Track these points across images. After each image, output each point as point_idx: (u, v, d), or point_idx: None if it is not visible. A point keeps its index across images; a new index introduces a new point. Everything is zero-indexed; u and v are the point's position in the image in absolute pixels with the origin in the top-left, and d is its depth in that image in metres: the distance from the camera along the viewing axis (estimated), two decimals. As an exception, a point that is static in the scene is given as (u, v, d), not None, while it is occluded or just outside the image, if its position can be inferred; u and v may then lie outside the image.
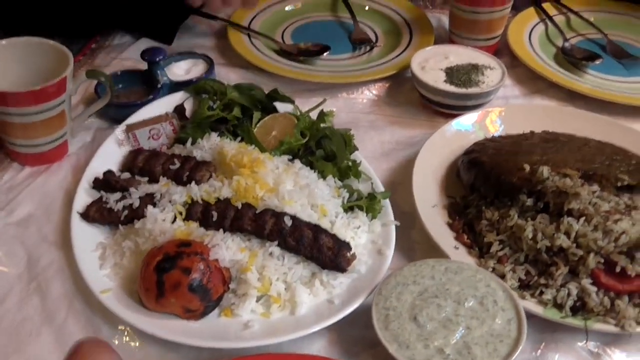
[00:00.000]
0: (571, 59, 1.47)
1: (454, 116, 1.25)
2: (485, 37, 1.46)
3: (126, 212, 1.04)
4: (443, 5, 1.63)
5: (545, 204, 1.01)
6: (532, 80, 1.44)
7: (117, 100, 1.25)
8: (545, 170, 1.01)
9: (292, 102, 1.23)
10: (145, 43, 1.50)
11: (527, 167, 1.03)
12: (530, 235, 0.98)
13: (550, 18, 1.59)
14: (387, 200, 1.08)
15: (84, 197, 1.08)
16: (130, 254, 1.00)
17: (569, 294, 0.94)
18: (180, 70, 1.37)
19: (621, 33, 1.58)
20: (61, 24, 1.41)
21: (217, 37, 1.53)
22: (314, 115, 1.22)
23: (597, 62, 1.45)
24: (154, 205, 1.03)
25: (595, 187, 1.01)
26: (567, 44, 1.50)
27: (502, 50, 1.51)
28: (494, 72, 1.32)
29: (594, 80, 1.42)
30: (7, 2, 1.41)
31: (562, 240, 0.96)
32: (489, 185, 1.07)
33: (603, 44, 1.54)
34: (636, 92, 1.39)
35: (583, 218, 0.97)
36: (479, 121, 1.23)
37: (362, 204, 1.07)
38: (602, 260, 0.95)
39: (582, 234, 0.96)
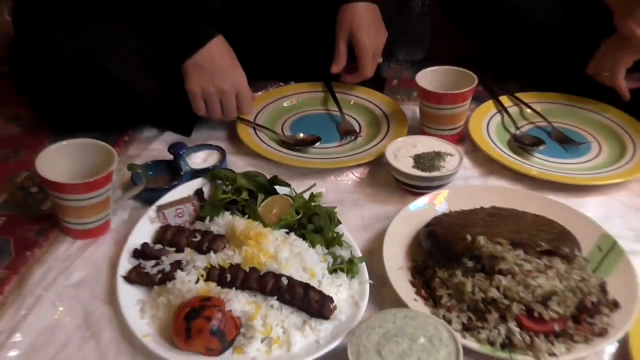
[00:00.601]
0: (520, 144, 1.69)
1: (421, 194, 1.48)
2: (449, 128, 1.69)
3: (160, 275, 1.20)
4: (417, 98, 1.86)
5: (482, 266, 1.19)
6: (488, 163, 1.65)
7: (149, 185, 1.45)
8: (482, 240, 1.22)
9: (289, 185, 1.44)
10: (169, 135, 1.73)
11: (469, 238, 1.23)
12: (470, 290, 1.17)
13: (505, 109, 1.82)
14: (364, 264, 1.25)
15: (125, 264, 1.25)
16: (164, 308, 1.16)
17: (499, 334, 1.12)
18: (199, 159, 1.59)
19: (564, 121, 1.80)
20: (99, 120, 1.70)
21: (228, 130, 1.76)
22: (306, 195, 1.38)
23: (542, 147, 1.68)
24: (182, 269, 1.19)
25: (520, 252, 1.21)
26: (518, 132, 1.73)
27: (465, 137, 1.73)
28: (453, 158, 1.54)
29: (539, 163, 1.65)
30: (55, 106, 1.69)
31: (494, 293, 1.15)
32: (441, 252, 1.25)
33: (549, 130, 1.76)
34: (573, 172, 1.61)
35: (510, 275, 1.17)
36: (429, 202, 1.45)
37: (343, 267, 1.23)
38: (524, 308, 1.13)
39: (508, 288, 1.14)
